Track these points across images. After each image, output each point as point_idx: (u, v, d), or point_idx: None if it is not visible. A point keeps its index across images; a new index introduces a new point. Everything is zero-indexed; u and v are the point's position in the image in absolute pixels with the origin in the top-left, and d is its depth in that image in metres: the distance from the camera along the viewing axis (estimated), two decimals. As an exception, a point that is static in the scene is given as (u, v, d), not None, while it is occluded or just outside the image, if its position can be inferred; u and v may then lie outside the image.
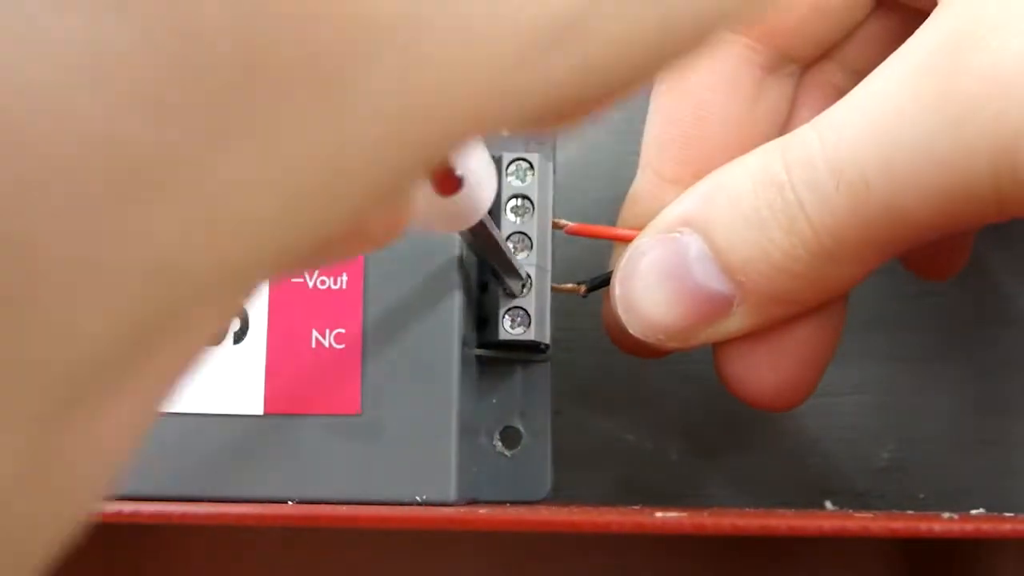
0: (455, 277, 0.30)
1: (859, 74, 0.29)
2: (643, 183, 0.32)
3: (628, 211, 0.32)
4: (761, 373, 0.31)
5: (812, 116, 0.28)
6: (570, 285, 0.32)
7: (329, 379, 0.29)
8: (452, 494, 0.29)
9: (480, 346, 0.31)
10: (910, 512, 0.34)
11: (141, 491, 0.29)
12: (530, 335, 0.31)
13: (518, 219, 0.31)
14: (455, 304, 0.29)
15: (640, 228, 0.30)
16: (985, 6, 0.26)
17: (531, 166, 0.31)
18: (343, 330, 0.29)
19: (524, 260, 0.31)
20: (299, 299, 0.30)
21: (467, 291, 0.30)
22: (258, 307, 0.30)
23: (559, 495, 0.34)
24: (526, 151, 0.31)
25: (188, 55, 0.11)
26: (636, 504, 0.35)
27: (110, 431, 0.12)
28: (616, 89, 0.13)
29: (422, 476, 0.29)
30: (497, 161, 0.31)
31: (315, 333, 0.30)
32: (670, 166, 0.32)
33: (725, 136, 0.31)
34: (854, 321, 0.33)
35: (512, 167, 0.31)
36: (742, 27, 0.31)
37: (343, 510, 0.28)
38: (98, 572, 0.38)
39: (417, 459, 0.29)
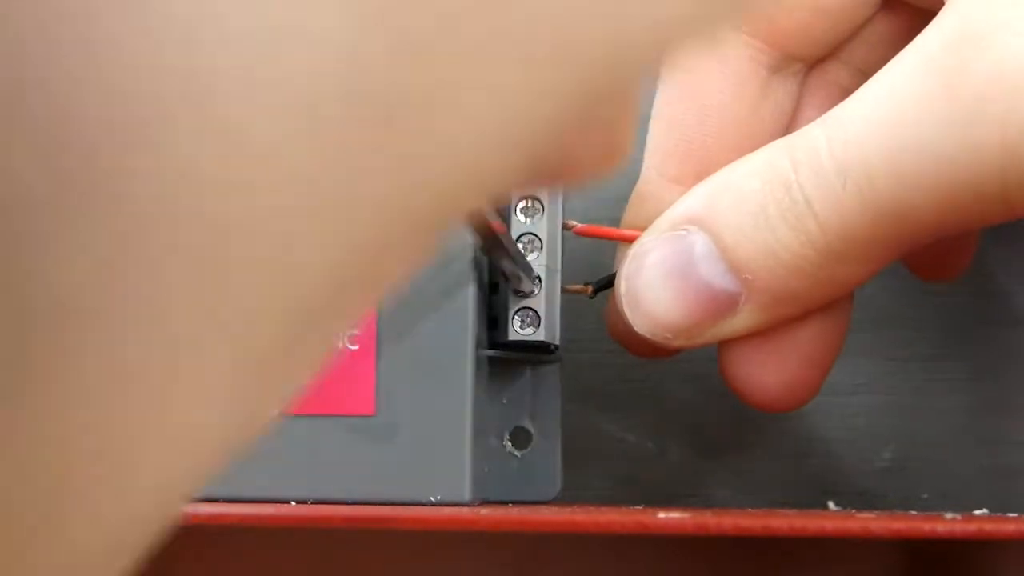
0: (469, 278, 0.30)
1: (865, 74, 0.29)
2: (648, 182, 0.32)
3: (633, 210, 0.32)
4: (766, 373, 0.31)
5: (817, 116, 0.28)
6: (578, 286, 0.32)
7: (343, 380, 0.29)
8: (467, 494, 0.29)
9: (490, 347, 0.31)
10: (913, 512, 0.34)
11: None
12: (540, 336, 0.31)
13: (528, 220, 0.31)
14: (469, 305, 0.30)
15: (645, 228, 0.31)
16: (991, 5, 0.26)
17: (541, 167, 0.31)
18: (357, 332, 0.30)
19: (534, 261, 0.31)
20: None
21: (480, 292, 0.30)
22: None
23: (561, 495, 0.34)
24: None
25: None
26: (638, 504, 0.35)
27: (302, 368, 0.13)
28: None
29: (437, 476, 0.29)
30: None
31: (330, 334, 0.30)
32: (674, 166, 0.32)
33: (729, 136, 0.31)
34: (856, 321, 0.33)
35: (522, 168, 0.31)
36: (747, 28, 0.31)
37: (343, 510, 0.28)
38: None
39: (432, 459, 0.29)
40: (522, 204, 0.31)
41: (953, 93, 0.26)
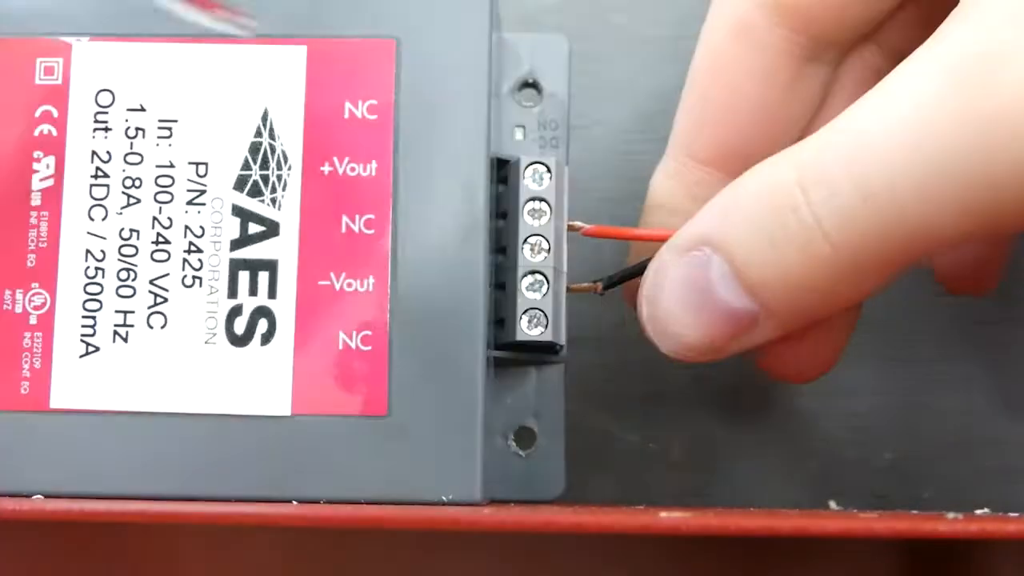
0: (480, 277, 0.30)
1: (900, 55, 0.28)
2: (672, 164, 0.32)
3: (655, 195, 0.33)
4: (786, 353, 0.32)
5: (849, 102, 0.28)
6: (587, 284, 0.32)
7: (356, 380, 0.29)
8: (478, 494, 0.29)
9: (496, 346, 0.31)
10: (915, 512, 0.34)
11: (167, 492, 0.29)
12: (547, 336, 0.31)
13: (535, 222, 0.31)
14: (480, 304, 0.30)
15: (656, 227, 0.31)
16: (1018, 20, 0.26)
17: (548, 169, 0.31)
18: (370, 332, 0.30)
19: (541, 262, 0.31)
20: (326, 302, 0.30)
21: (490, 291, 0.30)
22: (285, 310, 0.30)
23: (565, 495, 0.34)
24: (542, 155, 0.31)
25: None
26: (640, 504, 0.36)
27: None
28: None
29: (448, 476, 0.29)
30: (515, 165, 0.31)
31: (342, 335, 0.30)
32: (704, 147, 0.32)
33: (759, 124, 0.32)
34: (859, 321, 0.33)
35: (529, 170, 0.31)
36: (780, 16, 0.31)
37: (343, 510, 0.28)
38: (99, 571, 0.38)
39: (443, 459, 0.29)
40: (530, 206, 0.31)
41: (977, 108, 0.25)
